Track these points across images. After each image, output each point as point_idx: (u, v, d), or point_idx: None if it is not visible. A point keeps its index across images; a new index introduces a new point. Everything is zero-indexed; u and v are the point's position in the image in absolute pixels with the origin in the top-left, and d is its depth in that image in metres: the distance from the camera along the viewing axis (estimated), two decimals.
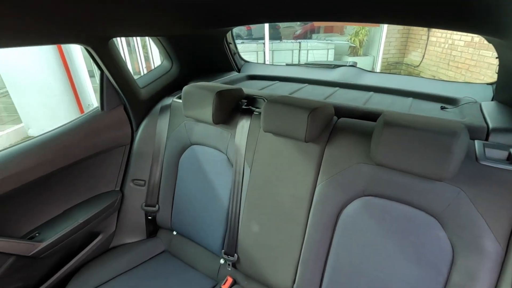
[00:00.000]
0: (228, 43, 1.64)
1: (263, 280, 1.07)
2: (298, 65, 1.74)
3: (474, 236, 0.74)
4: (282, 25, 8.47)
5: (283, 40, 7.20)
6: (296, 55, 6.64)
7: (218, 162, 1.18)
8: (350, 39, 6.57)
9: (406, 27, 6.20)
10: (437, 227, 0.79)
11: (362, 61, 6.30)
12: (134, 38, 4.22)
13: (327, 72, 1.61)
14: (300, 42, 6.70)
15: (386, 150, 0.76)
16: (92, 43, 0.97)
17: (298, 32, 8.44)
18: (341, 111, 1.04)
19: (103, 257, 1.25)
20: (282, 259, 1.02)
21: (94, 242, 1.25)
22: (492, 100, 1.18)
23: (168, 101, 1.32)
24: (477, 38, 4.47)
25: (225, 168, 1.16)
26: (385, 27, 6.11)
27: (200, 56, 1.57)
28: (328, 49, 6.56)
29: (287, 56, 6.55)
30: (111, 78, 1.13)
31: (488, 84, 1.27)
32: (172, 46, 1.38)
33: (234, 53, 1.72)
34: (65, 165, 1.11)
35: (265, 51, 5.99)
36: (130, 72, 1.19)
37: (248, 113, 1.11)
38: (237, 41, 1.82)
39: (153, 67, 4.78)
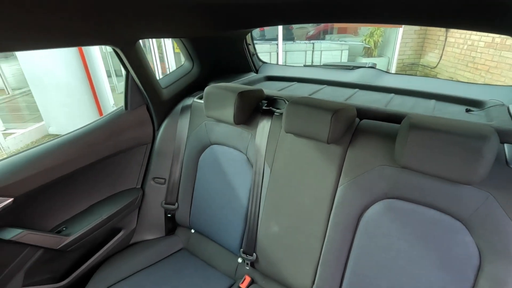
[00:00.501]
0: (248, 44, 1.66)
1: (281, 280, 1.08)
2: (316, 66, 1.74)
3: (503, 242, 0.72)
4: (295, 25, 8.45)
5: (296, 41, 7.19)
6: (309, 56, 6.61)
7: (238, 162, 1.19)
8: (365, 40, 6.49)
9: (423, 27, 6.08)
10: (464, 232, 0.78)
11: (376, 62, 6.21)
12: (150, 39, 4.31)
13: (346, 74, 1.60)
14: (313, 43, 6.66)
15: (412, 152, 0.75)
16: (121, 44, 1.01)
17: (311, 33, 8.40)
18: (363, 113, 1.04)
19: (124, 253, 1.28)
20: (302, 259, 1.02)
21: (116, 237, 1.29)
22: None
23: (189, 101, 1.34)
24: (498, 38, 4.33)
25: (245, 168, 1.17)
26: (401, 28, 6.01)
27: (220, 57, 1.59)
28: (342, 50, 6.49)
29: (300, 57, 6.53)
30: (136, 78, 1.16)
31: None
32: (194, 48, 1.41)
33: (253, 54, 1.73)
34: (91, 162, 1.15)
35: (278, 52, 6.00)
36: (153, 73, 1.22)
37: (269, 113, 1.12)
38: None
39: (167, 67, 4.88)
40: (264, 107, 1.15)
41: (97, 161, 1.18)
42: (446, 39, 5.45)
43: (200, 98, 1.34)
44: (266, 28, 6.58)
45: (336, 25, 8.03)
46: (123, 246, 1.35)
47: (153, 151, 1.36)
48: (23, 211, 1.00)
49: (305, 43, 6.81)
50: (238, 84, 1.20)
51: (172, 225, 1.44)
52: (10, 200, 0.93)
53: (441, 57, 5.63)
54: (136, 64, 1.11)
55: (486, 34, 4.54)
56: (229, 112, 1.09)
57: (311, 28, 8.60)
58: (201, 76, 1.49)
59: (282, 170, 1.06)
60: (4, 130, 3.93)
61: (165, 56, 4.78)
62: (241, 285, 1.15)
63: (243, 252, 1.16)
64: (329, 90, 1.42)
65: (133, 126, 1.27)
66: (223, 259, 1.27)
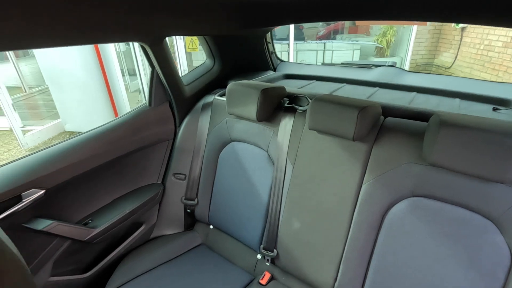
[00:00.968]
0: (267, 43, 1.67)
1: (302, 277, 1.08)
2: (334, 64, 1.73)
3: None
4: (305, 25, 8.42)
5: (307, 41, 7.16)
6: (320, 55, 6.58)
7: (258, 159, 1.20)
8: (377, 39, 6.42)
9: (437, 27, 5.98)
10: (494, 231, 0.77)
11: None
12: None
13: (365, 72, 1.59)
14: (324, 43, 6.63)
15: (442, 150, 0.75)
16: (149, 41, 1.03)
17: (321, 33, 8.36)
18: (388, 111, 1.03)
19: (145, 247, 1.31)
20: (324, 256, 1.02)
21: (138, 232, 1.32)
22: None
23: (209, 98, 1.36)
24: None
25: (265, 165, 1.18)
26: (414, 27, 5.92)
27: (240, 55, 1.60)
28: (353, 50, 6.44)
29: (311, 57, 6.50)
30: (161, 75, 1.18)
31: None
32: (217, 46, 1.42)
33: (271, 53, 1.74)
34: (115, 157, 1.18)
35: (289, 51, 5.99)
36: (177, 70, 1.24)
37: (291, 111, 1.13)
38: None
39: (179, 66, 4.92)
40: (286, 105, 1.16)
41: (121, 156, 1.20)
42: (461, 38, 5.35)
43: (221, 95, 1.36)
44: (276, 28, 6.58)
45: (347, 25, 7.98)
46: (144, 240, 1.37)
47: (174, 147, 1.38)
48: (53, 203, 1.04)
49: (316, 43, 6.78)
50: (259, 82, 1.21)
51: (191, 220, 1.46)
52: (42, 191, 0.96)
53: (456, 57, 5.53)
54: (162, 61, 1.13)
55: (504, 33, 4.43)
56: (251, 109, 1.10)
57: (321, 28, 8.55)
58: (221, 74, 1.51)
59: (304, 167, 1.06)
60: (23, 127, 4.03)
61: (177, 55, 4.83)
62: (261, 281, 1.16)
63: (264, 248, 1.17)
64: (349, 89, 1.42)
65: (156, 123, 1.29)
66: (242, 255, 1.28)
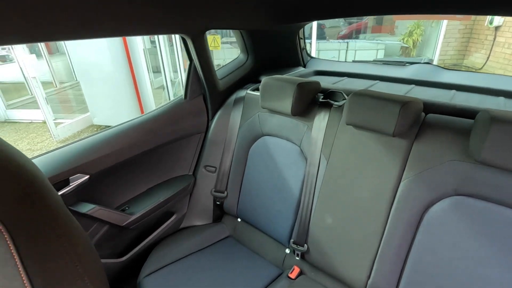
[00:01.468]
0: (300, 38, 1.67)
1: (333, 273, 1.08)
2: (366, 62, 1.70)
3: None
4: (327, 24, 8.32)
5: (330, 40, 7.07)
6: (342, 55, 6.48)
7: (290, 154, 1.20)
8: (403, 39, 6.24)
9: (468, 26, 5.73)
10: None
11: None
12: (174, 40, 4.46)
13: (398, 69, 1.55)
14: (347, 42, 6.52)
15: (492, 147, 0.72)
16: (192, 34, 1.06)
17: (343, 32, 8.23)
18: (429, 107, 1.01)
19: (176, 236, 1.34)
20: (357, 253, 1.01)
21: (169, 221, 1.36)
22: None
23: (242, 93, 1.38)
24: None
25: (297, 160, 1.18)
26: (443, 26, 5.71)
27: (273, 50, 1.61)
28: (377, 50, 6.30)
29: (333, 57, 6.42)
30: (199, 68, 1.21)
31: None
32: (252, 40, 1.44)
33: (303, 49, 1.74)
34: (151, 147, 1.22)
35: (311, 50, 5.94)
36: (213, 64, 1.27)
37: (327, 106, 1.12)
38: None
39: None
40: (321, 99, 1.15)
41: (157, 146, 1.24)
42: (495, 38, 5.10)
43: (253, 90, 1.37)
44: None
45: (370, 24, 7.81)
46: (175, 230, 1.41)
47: (206, 140, 1.41)
48: (95, 189, 1.09)
49: (338, 42, 6.68)
50: (294, 77, 1.22)
51: (219, 212, 1.49)
52: (87, 177, 1.01)
53: (488, 57, 5.27)
54: (202, 54, 1.16)
55: None
56: (286, 103, 1.10)
57: (343, 27, 8.41)
58: (253, 69, 1.53)
59: (339, 162, 1.05)
60: (54, 120, 4.24)
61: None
62: (290, 275, 1.16)
63: (294, 243, 1.17)
64: (383, 86, 1.39)
65: (190, 115, 1.32)
66: (271, 249, 1.28)
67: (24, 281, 0.36)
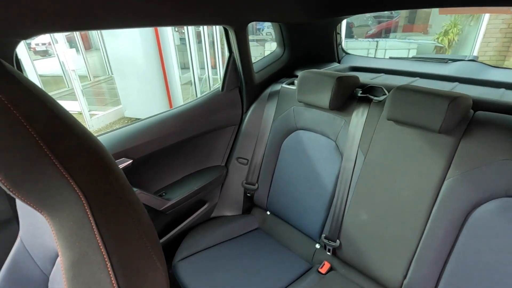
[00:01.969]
0: (337, 33, 1.65)
1: (366, 270, 1.06)
2: (404, 58, 1.65)
3: None
4: (355, 23, 8.12)
5: (358, 39, 6.90)
6: (371, 54, 6.30)
7: (325, 148, 1.19)
8: (437, 38, 5.96)
9: (511, 25, 5.36)
10: None
11: None
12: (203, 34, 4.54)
13: (440, 67, 1.49)
14: (377, 41, 6.32)
15: None
16: (235, 25, 1.08)
17: (371, 31, 8.00)
18: (477, 104, 0.96)
19: (208, 224, 1.38)
20: (393, 251, 0.99)
21: (202, 209, 1.40)
22: None
23: (277, 87, 1.39)
24: None
25: (332, 155, 1.17)
26: (483, 25, 5.38)
27: (309, 45, 1.60)
28: (409, 49, 6.06)
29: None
30: (238, 60, 1.23)
31: None
32: (290, 34, 1.44)
33: (339, 44, 1.71)
34: (188, 137, 1.26)
35: None
36: (251, 57, 1.28)
37: (366, 101, 1.10)
38: None
39: (217, 61, 5.08)
40: (359, 94, 1.13)
41: (194, 136, 1.28)
42: None
43: (288, 84, 1.37)
44: None
45: (401, 23, 7.53)
46: (206, 218, 1.45)
47: (239, 132, 1.43)
48: (136, 173, 1.14)
49: (368, 41, 6.50)
50: (332, 71, 1.20)
51: (249, 204, 1.51)
52: (130, 161, 1.06)
53: None
54: (242, 46, 1.18)
55: None
56: (325, 97, 1.09)
57: (372, 26, 8.18)
58: (288, 63, 1.53)
59: (378, 158, 1.03)
60: (89, 111, 4.48)
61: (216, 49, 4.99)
62: (320, 270, 1.15)
63: (325, 238, 1.16)
64: (423, 83, 1.34)
65: (225, 107, 1.35)
66: (300, 243, 1.28)
67: (99, 243, 0.39)
